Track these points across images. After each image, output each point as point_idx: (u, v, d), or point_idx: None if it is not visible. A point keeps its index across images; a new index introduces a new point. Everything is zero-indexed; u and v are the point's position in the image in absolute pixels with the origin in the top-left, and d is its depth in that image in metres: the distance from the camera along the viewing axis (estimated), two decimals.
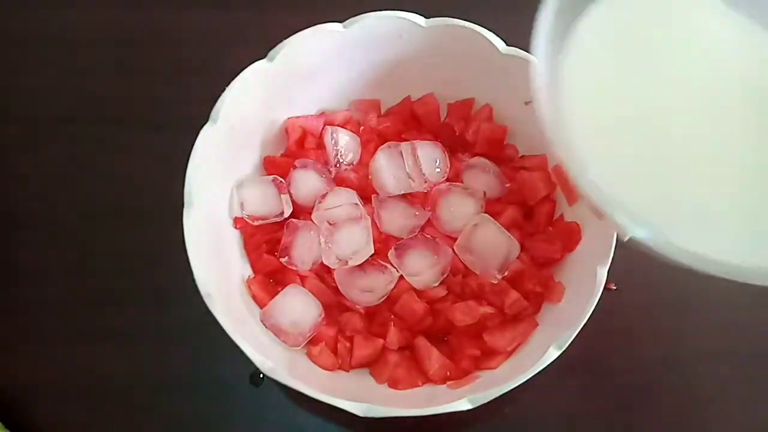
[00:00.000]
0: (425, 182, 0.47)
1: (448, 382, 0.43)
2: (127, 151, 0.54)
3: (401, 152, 0.47)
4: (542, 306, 0.44)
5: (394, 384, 0.43)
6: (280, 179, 0.47)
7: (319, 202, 0.46)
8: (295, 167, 0.48)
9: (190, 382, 0.47)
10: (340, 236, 0.45)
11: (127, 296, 0.49)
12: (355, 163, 0.49)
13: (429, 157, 0.47)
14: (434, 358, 0.43)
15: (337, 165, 0.48)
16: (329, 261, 0.45)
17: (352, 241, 0.45)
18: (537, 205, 0.47)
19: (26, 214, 0.52)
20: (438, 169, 0.48)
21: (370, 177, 0.48)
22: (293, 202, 0.47)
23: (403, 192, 0.47)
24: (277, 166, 0.48)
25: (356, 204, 0.46)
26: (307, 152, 0.49)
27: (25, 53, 0.58)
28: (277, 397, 0.47)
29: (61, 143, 0.54)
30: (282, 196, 0.47)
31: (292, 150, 0.49)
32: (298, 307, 0.44)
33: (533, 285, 0.44)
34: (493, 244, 0.45)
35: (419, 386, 0.43)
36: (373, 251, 0.45)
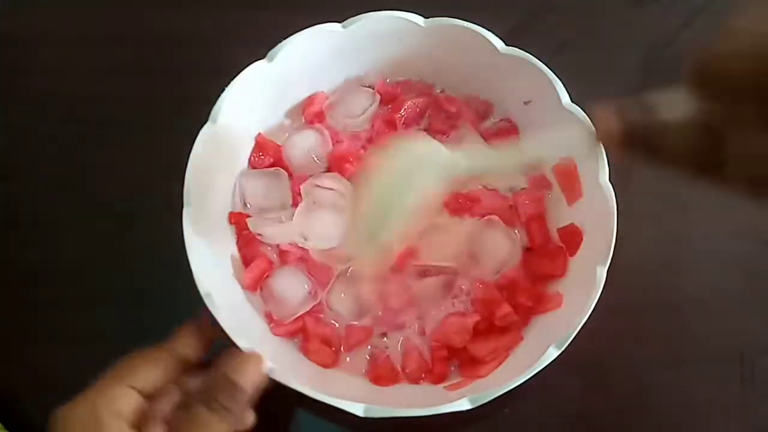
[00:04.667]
0: None
1: (444, 384, 0.43)
2: (127, 151, 0.54)
3: None
4: (530, 320, 0.44)
5: (376, 380, 0.43)
6: (283, 170, 0.47)
7: (315, 177, 0.47)
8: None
9: None
10: (316, 216, 0.46)
11: (126, 296, 0.50)
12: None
13: None
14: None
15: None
16: (294, 233, 0.46)
17: (323, 226, 0.46)
18: (527, 223, 0.47)
19: (26, 215, 0.52)
20: None
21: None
22: (287, 168, 0.48)
23: None
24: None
25: (345, 197, 0.46)
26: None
27: (25, 53, 0.58)
28: (276, 397, 0.47)
29: (61, 143, 0.54)
30: (286, 188, 0.47)
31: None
32: (292, 281, 0.45)
33: (525, 299, 0.44)
34: (497, 247, 0.46)
35: (398, 383, 0.44)
36: (335, 245, 0.46)
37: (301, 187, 0.47)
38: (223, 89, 0.43)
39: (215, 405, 0.34)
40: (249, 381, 0.35)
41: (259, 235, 0.46)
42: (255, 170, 0.48)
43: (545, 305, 0.43)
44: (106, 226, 0.51)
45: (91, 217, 0.52)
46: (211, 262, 0.41)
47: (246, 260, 0.46)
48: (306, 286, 0.45)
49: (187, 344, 0.38)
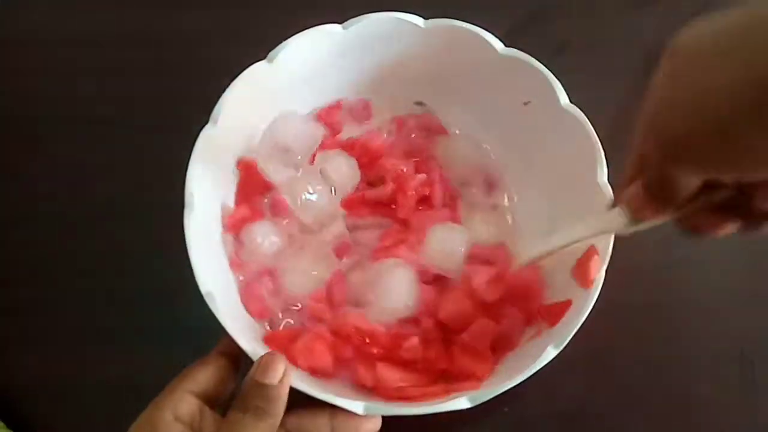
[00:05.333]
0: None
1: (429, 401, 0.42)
2: (126, 151, 0.54)
3: None
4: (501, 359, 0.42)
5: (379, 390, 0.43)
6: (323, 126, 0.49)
7: (329, 151, 0.48)
8: None
9: None
10: (312, 186, 0.46)
11: (127, 296, 0.50)
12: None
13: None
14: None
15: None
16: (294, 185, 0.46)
17: (313, 196, 0.46)
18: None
19: (26, 215, 0.53)
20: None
21: None
22: None
23: None
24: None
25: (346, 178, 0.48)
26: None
27: (25, 53, 0.58)
28: None
29: (61, 143, 0.54)
30: (318, 139, 0.48)
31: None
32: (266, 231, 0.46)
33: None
34: (396, 288, 0.44)
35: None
36: (311, 220, 0.46)
37: (317, 154, 0.47)
38: (223, 89, 0.43)
39: (249, 407, 0.34)
40: (275, 378, 0.35)
41: (264, 171, 0.46)
42: (296, 114, 0.48)
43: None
44: (106, 226, 0.51)
45: (91, 217, 0.52)
46: (211, 262, 0.41)
47: (240, 205, 0.47)
48: (277, 239, 0.45)
49: (232, 343, 0.38)
